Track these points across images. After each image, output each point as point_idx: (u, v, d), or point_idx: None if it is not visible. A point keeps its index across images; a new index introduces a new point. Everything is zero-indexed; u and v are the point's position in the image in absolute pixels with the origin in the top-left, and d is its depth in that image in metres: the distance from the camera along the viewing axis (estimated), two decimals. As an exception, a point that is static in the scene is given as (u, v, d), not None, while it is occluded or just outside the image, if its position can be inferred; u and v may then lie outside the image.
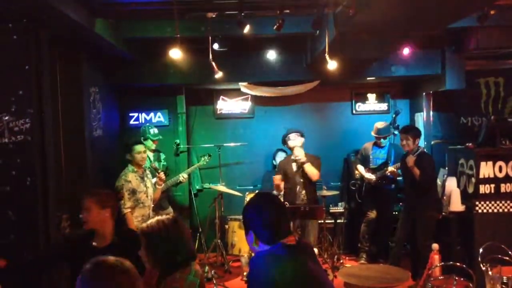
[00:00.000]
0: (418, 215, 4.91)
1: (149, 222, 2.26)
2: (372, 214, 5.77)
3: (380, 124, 5.80)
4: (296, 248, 2.00)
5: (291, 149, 5.38)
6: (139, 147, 4.79)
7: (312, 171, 5.20)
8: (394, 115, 5.96)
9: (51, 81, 3.99)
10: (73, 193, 4.27)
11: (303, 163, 5.19)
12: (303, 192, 5.27)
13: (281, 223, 2.03)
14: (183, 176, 5.70)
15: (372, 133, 5.82)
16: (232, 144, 6.34)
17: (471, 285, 3.33)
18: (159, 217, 2.26)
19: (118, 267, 1.59)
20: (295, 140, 5.37)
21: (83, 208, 2.80)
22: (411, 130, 5.05)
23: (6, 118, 3.61)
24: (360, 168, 5.90)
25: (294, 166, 5.34)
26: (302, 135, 5.44)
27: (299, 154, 5.22)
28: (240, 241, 5.57)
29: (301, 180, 5.29)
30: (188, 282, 2.16)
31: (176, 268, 2.17)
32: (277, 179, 5.39)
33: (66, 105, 4.52)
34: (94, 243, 2.81)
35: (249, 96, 6.62)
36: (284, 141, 5.52)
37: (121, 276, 1.57)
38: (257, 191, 6.11)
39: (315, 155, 5.40)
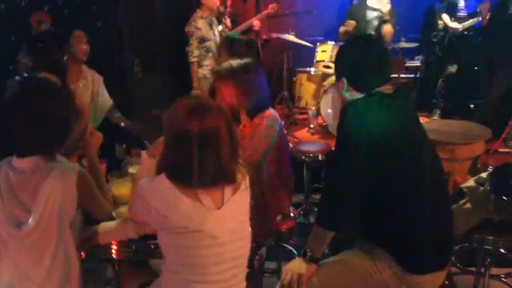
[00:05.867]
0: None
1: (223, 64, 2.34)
2: (452, 69, 5.31)
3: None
4: (395, 98, 1.80)
5: None
6: None
7: (390, 29, 4.71)
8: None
9: None
10: (144, 39, 4.20)
11: (385, 21, 4.69)
12: None
13: (381, 68, 1.80)
14: (255, 22, 5.31)
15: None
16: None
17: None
18: (230, 60, 2.32)
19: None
20: None
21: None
22: None
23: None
24: (445, 17, 5.29)
25: (368, 14, 4.83)
26: None
27: (388, 6, 4.68)
28: (308, 94, 5.45)
29: (372, 32, 4.84)
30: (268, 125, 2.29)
31: (258, 111, 2.30)
32: (352, 24, 4.84)
33: None
34: None
35: None
36: None
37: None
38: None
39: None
